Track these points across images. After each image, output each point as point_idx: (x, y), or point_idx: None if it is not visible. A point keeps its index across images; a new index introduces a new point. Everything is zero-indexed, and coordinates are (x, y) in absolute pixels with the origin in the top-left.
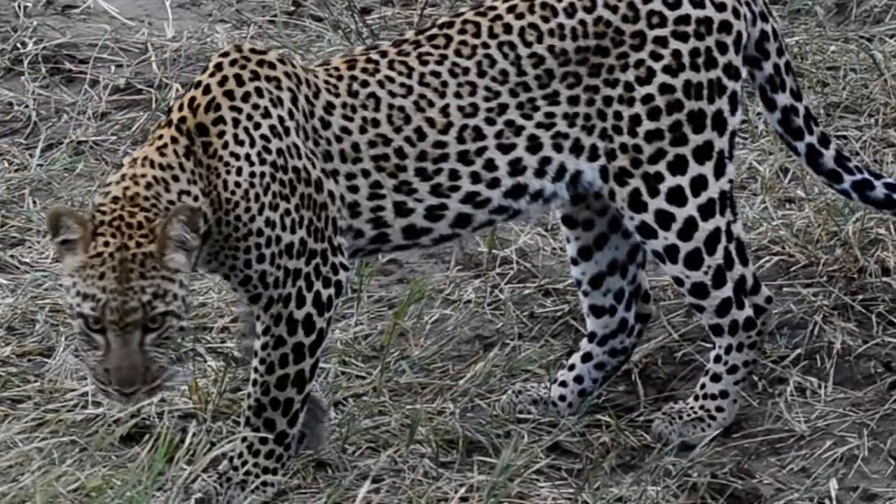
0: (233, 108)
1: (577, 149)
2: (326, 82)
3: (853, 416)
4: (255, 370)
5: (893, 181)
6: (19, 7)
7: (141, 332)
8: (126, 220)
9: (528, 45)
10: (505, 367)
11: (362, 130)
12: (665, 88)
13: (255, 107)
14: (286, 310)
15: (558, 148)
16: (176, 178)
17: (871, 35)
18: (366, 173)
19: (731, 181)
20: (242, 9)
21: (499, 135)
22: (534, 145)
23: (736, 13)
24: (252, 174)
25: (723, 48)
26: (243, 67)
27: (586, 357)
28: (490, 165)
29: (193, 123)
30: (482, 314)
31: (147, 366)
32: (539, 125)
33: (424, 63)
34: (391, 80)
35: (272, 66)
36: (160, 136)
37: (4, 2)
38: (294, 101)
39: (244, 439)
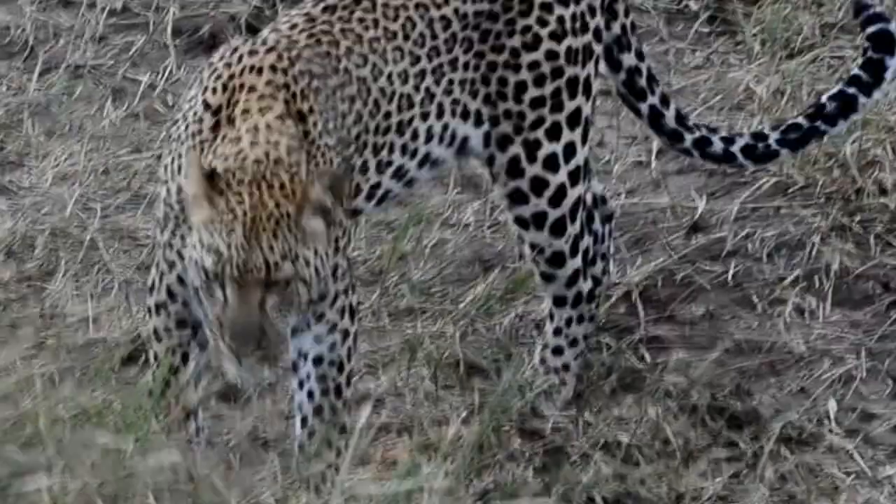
0: None
1: (465, 114)
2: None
3: (852, 336)
4: (324, 376)
5: (729, 135)
6: None
7: (262, 291)
8: (268, 179)
9: (438, 6)
10: (505, 289)
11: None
12: (550, 55)
13: None
14: (347, 300)
15: (453, 113)
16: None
17: None
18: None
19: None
20: None
21: (421, 102)
22: (439, 112)
23: None
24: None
25: (593, 12)
26: None
27: None
28: (414, 134)
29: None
30: (481, 237)
31: (264, 329)
32: (444, 91)
33: (366, 28)
34: (350, 50)
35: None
36: (269, 107)
37: None
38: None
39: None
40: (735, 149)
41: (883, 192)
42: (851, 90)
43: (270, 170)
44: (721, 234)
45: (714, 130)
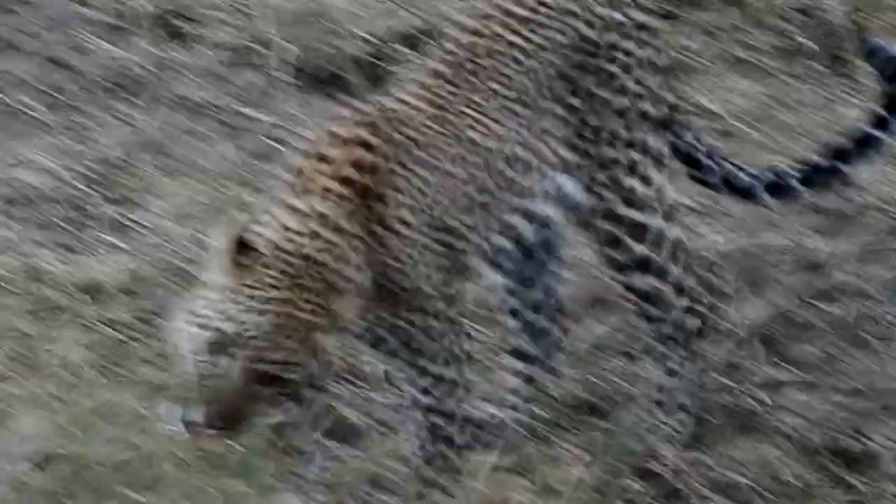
0: None
1: (565, 166)
2: None
3: None
4: (435, 425)
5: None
6: None
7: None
8: (305, 281)
9: (541, 64)
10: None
11: None
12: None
13: None
14: (453, 351)
15: (556, 167)
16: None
17: None
18: None
19: None
20: None
21: (532, 160)
22: (546, 167)
23: None
24: None
25: (658, 51)
26: None
27: None
28: (526, 193)
29: None
30: (599, 276)
31: (241, 411)
32: (548, 147)
33: (479, 92)
34: (464, 115)
35: None
36: (339, 193)
37: None
38: None
39: None
40: (756, 184)
41: None
42: (871, 129)
43: (311, 271)
44: (840, 275)
45: (738, 166)
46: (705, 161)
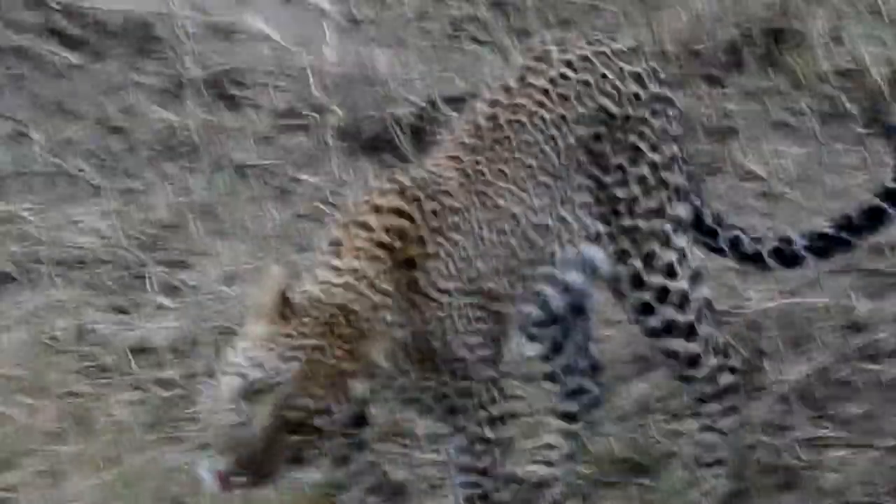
0: None
1: (589, 236)
2: None
3: None
4: (474, 483)
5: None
6: (181, 30)
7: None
8: (338, 329)
9: (564, 136)
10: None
11: None
12: (653, 166)
13: None
14: (488, 413)
15: (581, 237)
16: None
17: None
18: None
19: None
20: (402, 32)
21: (559, 230)
22: (571, 237)
23: None
24: None
25: (672, 121)
26: None
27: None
28: (555, 262)
29: None
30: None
31: (273, 459)
32: (573, 217)
33: (507, 163)
34: (495, 186)
35: None
36: (375, 256)
37: (166, 25)
38: None
39: None
40: (763, 250)
41: None
42: (880, 203)
43: (342, 318)
44: (879, 334)
45: (744, 231)
46: (713, 226)
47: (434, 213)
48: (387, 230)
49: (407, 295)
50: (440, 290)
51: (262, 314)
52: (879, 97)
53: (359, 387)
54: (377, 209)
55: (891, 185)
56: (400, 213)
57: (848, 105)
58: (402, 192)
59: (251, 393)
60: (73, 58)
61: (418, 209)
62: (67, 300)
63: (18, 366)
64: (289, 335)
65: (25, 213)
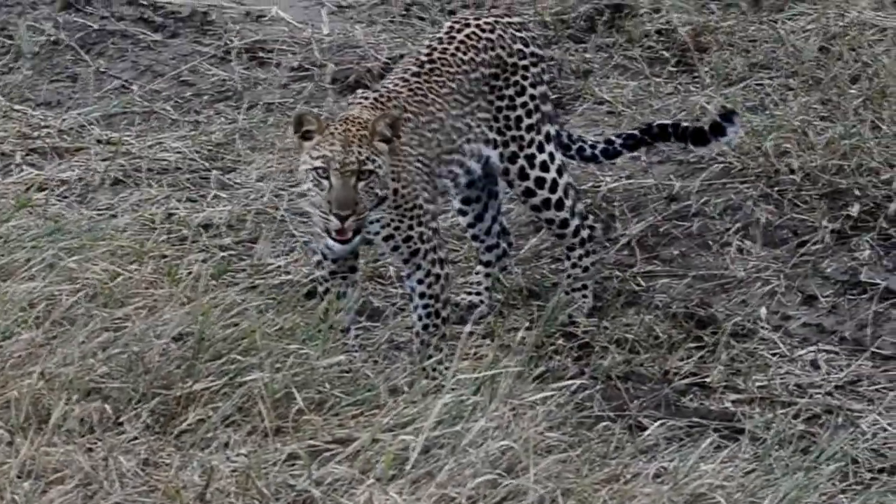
0: None
1: (486, 140)
2: None
3: (774, 266)
4: (427, 305)
5: (592, 142)
6: (227, 15)
7: (355, 178)
8: (353, 122)
9: (474, 70)
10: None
11: None
12: (532, 97)
13: None
14: (436, 255)
15: (481, 140)
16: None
17: (777, 18)
18: None
19: None
20: (372, 13)
21: (467, 133)
22: (475, 139)
23: None
24: None
25: (544, 69)
26: None
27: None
28: (463, 153)
29: None
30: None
31: (357, 201)
32: (476, 126)
33: (440, 86)
34: (431, 98)
35: None
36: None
37: (217, 12)
38: None
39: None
40: (596, 151)
41: (791, 171)
42: (671, 122)
43: (355, 118)
44: (688, 202)
45: (584, 141)
46: (567, 141)
47: (397, 109)
48: (369, 109)
49: (392, 157)
50: (404, 155)
51: (303, 139)
52: (685, 47)
53: (380, 145)
54: (362, 105)
55: (689, 125)
56: (374, 109)
57: (665, 53)
58: (378, 98)
59: (322, 173)
60: (157, 36)
61: (390, 107)
62: (158, 195)
63: (128, 238)
64: (329, 133)
65: (129, 139)
